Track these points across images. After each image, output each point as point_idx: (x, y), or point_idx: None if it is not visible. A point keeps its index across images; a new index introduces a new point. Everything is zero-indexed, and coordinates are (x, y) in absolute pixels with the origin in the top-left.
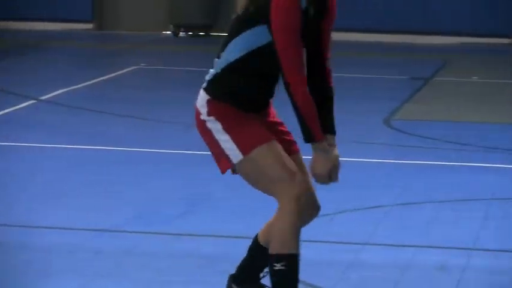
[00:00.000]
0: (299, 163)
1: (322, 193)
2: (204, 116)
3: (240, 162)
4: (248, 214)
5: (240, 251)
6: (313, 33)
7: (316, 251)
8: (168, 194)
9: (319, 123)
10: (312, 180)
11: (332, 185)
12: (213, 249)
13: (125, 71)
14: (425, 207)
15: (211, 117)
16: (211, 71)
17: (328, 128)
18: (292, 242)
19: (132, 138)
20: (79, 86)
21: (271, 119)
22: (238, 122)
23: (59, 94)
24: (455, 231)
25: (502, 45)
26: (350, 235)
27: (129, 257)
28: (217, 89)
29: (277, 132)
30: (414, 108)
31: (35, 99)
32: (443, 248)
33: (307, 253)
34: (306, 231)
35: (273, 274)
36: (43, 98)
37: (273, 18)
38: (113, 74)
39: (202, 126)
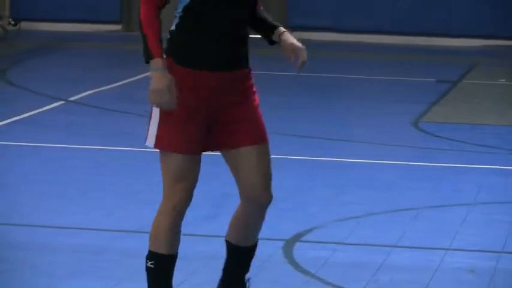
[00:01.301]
0: (251, 158)
1: (350, 197)
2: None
3: (152, 147)
4: (273, 215)
5: (266, 252)
6: None
7: (346, 253)
8: (194, 195)
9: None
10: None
11: (360, 186)
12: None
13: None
14: (454, 209)
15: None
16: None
17: (272, 26)
18: (163, 241)
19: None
20: (107, 87)
21: (235, 98)
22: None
23: (87, 95)
24: (485, 234)
25: None
26: (379, 237)
27: None
28: (172, 46)
29: (225, 122)
30: (442, 110)
31: (63, 100)
32: (473, 251)
33: (337, 255)
34: (336, 233)
35: (146, 271)
36: (71, 99)
37: None
38: (140, 75)
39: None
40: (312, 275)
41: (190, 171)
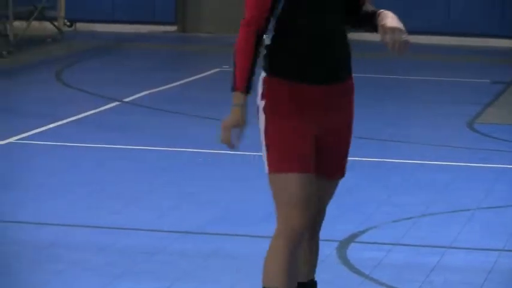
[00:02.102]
0: (328, 194)
1: (405, 197)
2: (258, 100)
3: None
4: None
5: (321, 252)
6: None
7: (400, 254)
8: (252, 195)
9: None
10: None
11: (415, 187)
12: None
13: (207, 73)
14: (509, 211)
15: (263, 102)
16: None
17: (372, 14)
18: (281, 271)
19: (213, 140)
20: (161, 88)
21: (335, 116)
22: (282, 124)
23: (141, 96)
24: None
25: None
26: (434, 238)
27: (213, 259)
28: (270, 60)
29: (326, 147)
30: (497, 111)
31: (118, 101)
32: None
33: (391, 256)
34: (390, 234)
35: None
36: (126, 100)
37: None
38: (195, 77)
39: (257, 112)
40: (366, 276)
41: (308, 193)
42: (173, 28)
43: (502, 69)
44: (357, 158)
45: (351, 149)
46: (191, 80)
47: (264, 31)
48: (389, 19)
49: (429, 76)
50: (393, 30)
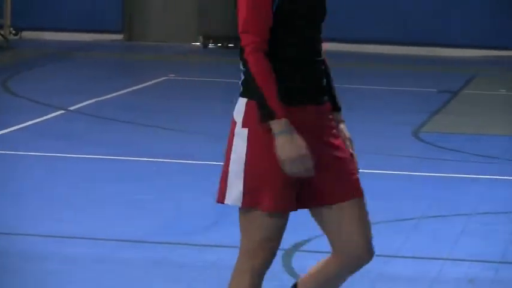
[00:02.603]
0: (349, 216)
1: None
2: (237, 128)
3: (238, 207)
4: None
5: None
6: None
7: None
8: (195, 205)
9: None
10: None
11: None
12: (126, 254)
13: (153, 81)
14: (454, 220)
15: (245, 130)
16: (242, 67)
17: (337, 105)
18: None
19: (160, 148)
20: (108, 96)
21: (330, 139)
22: (265, 157)
23: (88, 104)
24: (484, 244)
25: None
26: (379, 247)
27: (157, 268)
28: (252, 85)
29: (327, 170)
30: (443, 120)
31: (63, 109)
32: (472, 261)
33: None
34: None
35: None
36: (73, 108)
37: None
38: (141, 85)
39: (230, 139)
40: None
41: (281, 230)
42: (120, 37)
43: (449, 78)
44: None
45: None
46: (137, 88)
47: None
48: (346, 130)
49: (375, 85)
50: (351, 142)
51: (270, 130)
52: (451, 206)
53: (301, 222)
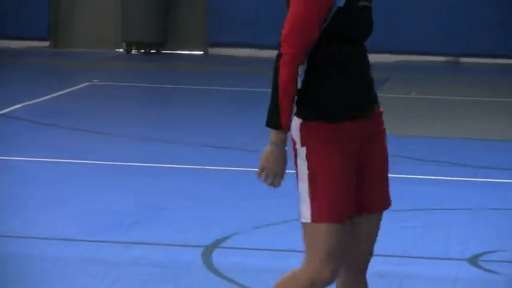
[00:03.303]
0: (372, 230)
1: (265, 205)
2: (298, 147)
3: (305, 222)
4: (199, 225)
5: (187, 257)
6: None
7: (261, 258)
8: (123, 204)
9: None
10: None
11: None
12: (163, 258)
13: (78, 87)
14: None
15: (303, 149)
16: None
17: None
18: None
19: (87, 150)
20: (35, 101)
21: (378, 153)
22: (332, 168)
23: (16, 109)
24: (393, 239)
25: (440, 63)
26: (291, 243)
27: (84, 265)
28: (305, 104)
29: (369, 180)
30: None
31: None
32: (385, 256)
33: (252, 260)
34: (251, 240)
35: None
36: (1, 112)
37: None
38: (66, 90)
39: (295, 157)
40: (229, 279)
41: (346, 239)
42: (46, 44)
43: None
44: (219, 168)
45: (203, 158)
46: (63, 93)
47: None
48: None
49: None
50: None
51: (326, 146)
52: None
53: (220, 220)
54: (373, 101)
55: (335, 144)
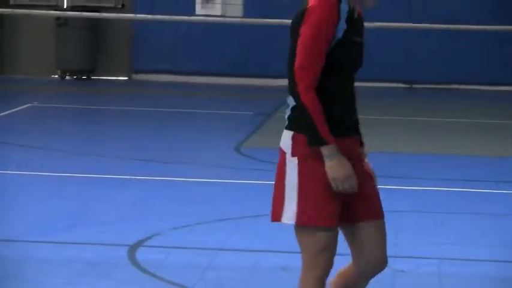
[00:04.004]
0: (371, 233)
1: (183, 209)
2: (288, 157)
3: (293, 225)
4: (121, 225)
5: (115, 256)
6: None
7: (180, 256)
8: (58, 208)
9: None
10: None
11: (191, 200)
12: (94, 255)
13: (21, 108)
14: (267, 218)
15: (294, 159)
16: (289, 103)
17: (361, 141)
18: None
19: (28, 163)
20: None
21: (362, 165)
22: (314, 176)
23: None
24: (294, 237)
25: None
26: (207, 242)
27: (25, 263)
28: (299, 120)
29: (361, 192)
30: (259, 138)
31: None
32: (285, 252)
33: (172, 257)
34: (171, 239)
35: None
36: None
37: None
38: (10, 111)
39: (281, 167)
40: (152, 274)
41: (334, 243)
42: None
43: (264, 103)
44: (141, 177)
45: (127, 169)
46: (6, 113)
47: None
48: (369, 163)
49: (205, 109)
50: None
51: (316, 157)
52: (267, 207)
53: (143, 222)
54: (358, 124)
55: (319, 158)
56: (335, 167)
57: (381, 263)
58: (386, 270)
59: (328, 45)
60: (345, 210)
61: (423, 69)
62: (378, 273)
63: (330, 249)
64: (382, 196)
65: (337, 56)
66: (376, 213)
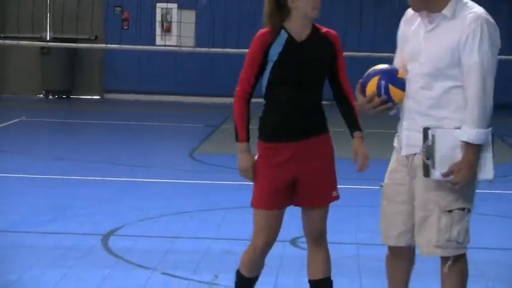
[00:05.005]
0: (313, 218)
1: (148, 204)
2: (256, 156)
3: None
4: (95, 218)
5: (90, 244)
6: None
7: (146, 242)
8: (41, 205)
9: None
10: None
11: (153, 196)
12: (72, 243)
13: (11, 122)
14: (217, 212)
15: (256, 157)
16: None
17: (351, 127)
18: (247, 268)
19: (15, 166)
20: None
21: (308, 163)
22: (259, 170)
23: None
24: (240, 227)
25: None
26: (168, 231)
27: (16, 250)
28: (260, 130)
29: (304, 185)
30: (209, 145)
31: None
32: (230, 239)
33: (138, 244)
34: (138, 229)
35: (235, 283)
36: None
37: None
38: (1, 124)
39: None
40: (121, 258)
41: (274, 222)
42: None
43: (213, 117)
44: (110, 178)
45: (99, 172)
46: (1, 126)
47: (250, 96)
48: (361, 147)
49: (164, 122)
50: (363, 159)
51: (263, 156)
52: (215, 202)
53: (114, 214)
54: (305, 130)
55: (267, 157)
56: (239, 160)
57: (315, 235)
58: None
59: (259, 68)
60: (297, 197)
61: None
62: (316, 241)
63: (269, 227)
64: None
65: (276, 73)
66: (318, 202)
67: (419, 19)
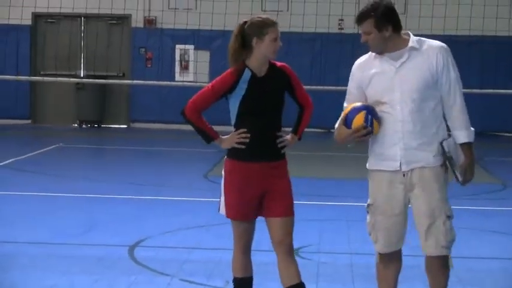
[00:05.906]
0: (276, 225)
1: (167, 220)
2: (223, 172)
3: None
4: (123, 231)
5: (119, 253)
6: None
7: (165, 253)
8: (75, 219)
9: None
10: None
11: (174, 213)
12: (102, 253)
13: (50, 148)
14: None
15: (223, 173)
16: None
17: (295, 130)
18: (238, 270)
19: (53, 187)
20: (23, 157)
21: (272, 180)
22: (232, 186)
23: (11, 162)
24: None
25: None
26: (185, 243)
27: (52, 260)
28: (229, 150)
29: (267, 196)
30: (220, 168)
31: None
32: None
33: (159, 254)
34: (160, 241)
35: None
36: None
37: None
38: (43, 149)
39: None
40: (145, 266)
41: (246, 231)
42: (28, 121)
43: None
44: (136, 197)
45: (125, 191)
46: (41, 151)
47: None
48: (291, 139)
49: (183, 148)
50: (292, 139)
51: (231, 172)
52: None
53: (139, 228)
54: (270, 153)
55: (236, 174)
56: (224, 144)
57: (279, 243)
58: (311, 261)
59: (216, 98)
60: (261, 209)
61: None
62: (281, 249)
63: (244, 236)
64: (313, 209)
65: (244, 106)
66: (283, 213)
67: (376, 62)
